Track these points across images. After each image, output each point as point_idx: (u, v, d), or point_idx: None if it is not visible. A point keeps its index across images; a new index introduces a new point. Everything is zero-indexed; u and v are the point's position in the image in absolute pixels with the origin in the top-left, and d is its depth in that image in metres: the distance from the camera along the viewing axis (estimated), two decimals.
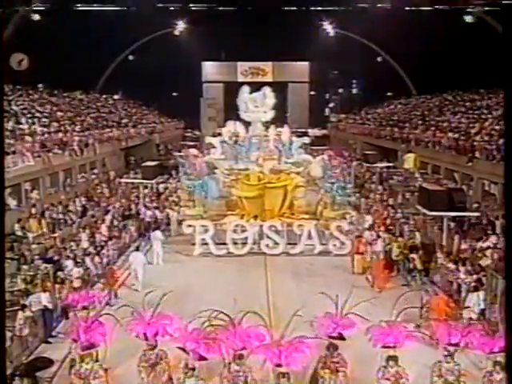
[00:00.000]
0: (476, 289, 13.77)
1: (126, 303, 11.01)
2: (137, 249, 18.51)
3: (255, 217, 21.15)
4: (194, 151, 23.85)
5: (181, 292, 15.17)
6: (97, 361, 9.44)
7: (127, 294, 15.73)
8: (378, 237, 18.94)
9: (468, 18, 33.07)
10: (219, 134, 25.76)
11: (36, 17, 34.37)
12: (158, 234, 19.82)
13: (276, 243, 20.12)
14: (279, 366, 8.88)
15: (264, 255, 19.75)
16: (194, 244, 20.03)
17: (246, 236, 20.10)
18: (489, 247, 16.66)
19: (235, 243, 20.08)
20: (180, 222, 21.78)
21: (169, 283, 16.08)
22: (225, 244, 20.06)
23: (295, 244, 20.21)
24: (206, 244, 20.00)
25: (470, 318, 13.29)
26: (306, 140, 25.27)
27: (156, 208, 24.28)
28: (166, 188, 28.92)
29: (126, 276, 17.37)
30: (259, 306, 14.06)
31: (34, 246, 17.80)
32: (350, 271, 18.19)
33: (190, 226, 20.45)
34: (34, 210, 21.22)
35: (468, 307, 13.58)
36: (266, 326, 9.45)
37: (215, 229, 20.16)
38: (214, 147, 24.34)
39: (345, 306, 9.72)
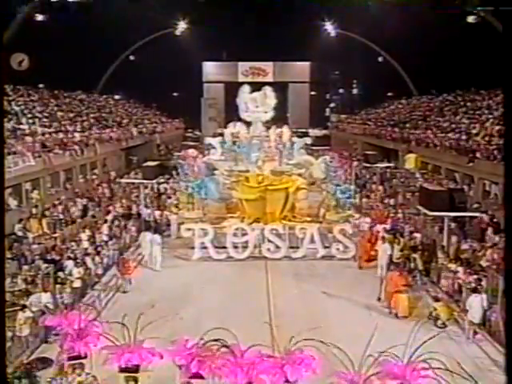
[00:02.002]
0: (477, 291, 13.73)
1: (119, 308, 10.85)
2: (146, 229, 19.57)
3: (256, 220, 20.70)
4: (192, 152, 23.43)
5: (178, 301, 14.97)
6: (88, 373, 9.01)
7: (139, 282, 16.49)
8: (383, 238, 18.53)
9: (470, 18, 32.98)
10: (220, 135, 25.60)
11: (39, 17, 34.39)
12: (156, 238, 19.04)
13: (277, 247, 19.51)
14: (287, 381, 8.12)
15: (265, 259, 19.18)
16: (193, 247, 19.55)
17: (247, 240, 19.49)
18: (489, 247, 16.68)
19: (235, 247, 19.47)
20: (180, 225, 21.35)
21: (165, 291, 15.93)
22: (225, 248, 19.47)
23: (297, 248, 19.61)
24: (205, 248, 19.43)
25: (471, 322, 13.28)
26: (308, 141, 24.96)
27: (158, 208, 24.24)
28: (165, 189, 28.85)
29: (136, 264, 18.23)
30: (261, 314, 13.77)
31: (34, 246, 17.82)
32: (353, 274, 18.10)
33: (188, 229, 20.00)
34: (34, 210, 21.24)
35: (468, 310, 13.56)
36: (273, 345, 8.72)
37: (215, 232, 19.65)
38: (213, 148, 24.08)
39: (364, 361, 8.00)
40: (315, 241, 19.58)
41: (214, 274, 17.93)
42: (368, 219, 22.06)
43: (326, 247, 19.65)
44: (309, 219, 20.96)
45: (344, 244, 19.52)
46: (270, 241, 19.57)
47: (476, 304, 13.27)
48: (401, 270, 16.00)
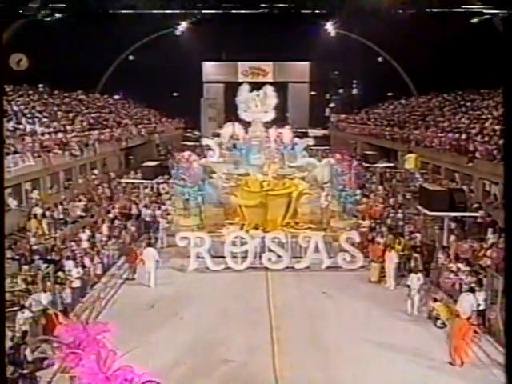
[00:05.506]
0: (471, 289, 13.75)
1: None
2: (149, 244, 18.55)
3: (256, 227, 19.55)
4: (187, 154, 21.69)
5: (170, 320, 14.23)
6: None
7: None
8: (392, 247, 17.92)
9: (474, 20, 32.75)
10: (219, 135, 25.17)
11: (47, 18, 34.31)
12: (151, 251, 17.69)
13: (279, 257, 18.35)
14: None
15: (266, 270, 18.07)
16: (189, 257, 18.39)
17: (247, 249, 18.27)
18: (489, 247, 16.68)
19: (234, 257, 18.28)
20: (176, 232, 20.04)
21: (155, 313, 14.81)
22: (223, 258, 18.29)
23: (300, 258, 18.42)
24: (202, 258, 18.25)
25: (469, 318, 13.30)
26: (310, 142, 24.22)
27: (158, 208, 24.17)
28: (164, 189, 28.58)
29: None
30: (262, 333, 13.47)
31: (34, 247, 17.80)
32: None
33: (184, 238, 18.62)
34: (34, 210, 21.23)
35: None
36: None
37: (212, 241, 18.40)
38: (211, 149, 23.20)
39: None
40: (320, 250, 18.35)
41: (210, 287, 16.95)
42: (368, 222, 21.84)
43: (331, 257, 18.47)
44: (313, 226, 19.80)
45: (351, 253, 18.39)
46: (271, 250, 18.36)
47: (465, 301, 13.42)
48: (378, 243, 18.42)
